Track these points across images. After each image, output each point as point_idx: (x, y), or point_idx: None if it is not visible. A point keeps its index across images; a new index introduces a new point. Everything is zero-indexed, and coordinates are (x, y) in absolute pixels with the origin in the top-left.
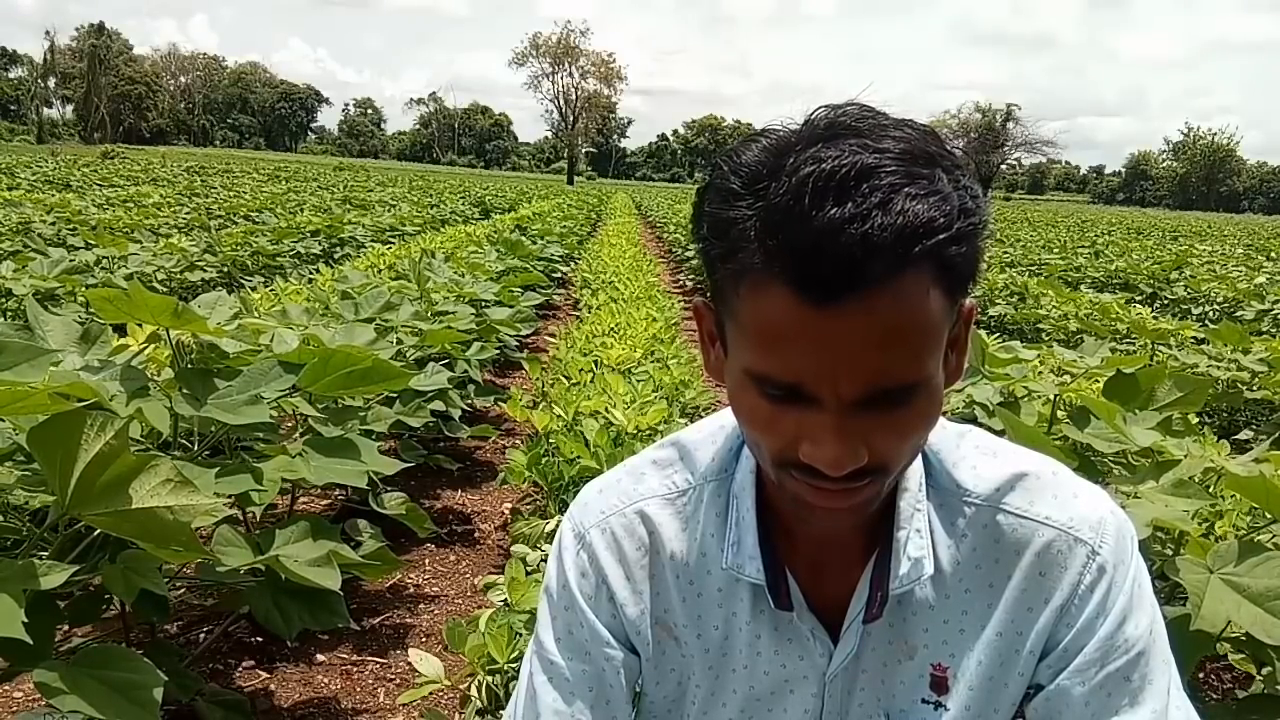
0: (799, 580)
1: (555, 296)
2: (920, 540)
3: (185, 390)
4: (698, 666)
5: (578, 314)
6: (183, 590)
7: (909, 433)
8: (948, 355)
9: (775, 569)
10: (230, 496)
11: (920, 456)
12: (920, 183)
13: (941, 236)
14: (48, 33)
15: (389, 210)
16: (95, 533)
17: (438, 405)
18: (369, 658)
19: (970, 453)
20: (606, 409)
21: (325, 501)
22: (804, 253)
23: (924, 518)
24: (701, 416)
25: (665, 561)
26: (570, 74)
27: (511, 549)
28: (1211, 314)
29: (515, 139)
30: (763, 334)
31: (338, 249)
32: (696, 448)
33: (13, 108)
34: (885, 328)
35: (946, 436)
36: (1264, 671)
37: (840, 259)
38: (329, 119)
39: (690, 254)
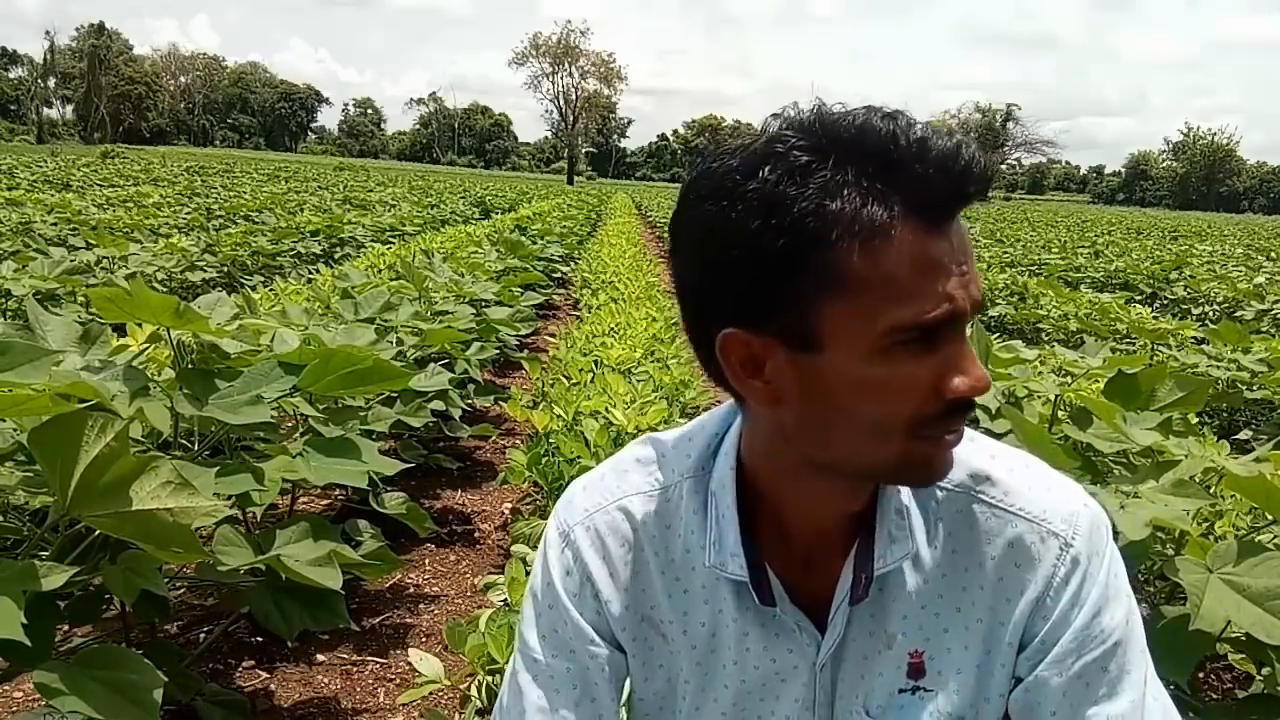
0: (782, 575)
1: (555, 296)
2: (900, 520)
3: (186, 390)
4: (685, 662)
5: (578, 314)
6: (183, 590)
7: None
8: None
9: (757, 565)
10: (231, 497)
11: None
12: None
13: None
14: (48, 33)
15: (389, 210)
16: (95, 533)
17: (438, 405)
18: (369, 658)
19: None
20: (606, 409)
21: (325, 501)
22: (919, 181)
23: (901, 499)
24: None
25: (649, 558)
26: (570, 74)
27: (511, 549)
28: (1211, 314)
29: (515, 139)
30: (896, 281)
31: (338, 249)
32: (674, 445)
33: (13, 108)
34: (966, 237)
35: None
36: (1264, 671)
37: (950, 178)
38: (329, 119)
39: None
